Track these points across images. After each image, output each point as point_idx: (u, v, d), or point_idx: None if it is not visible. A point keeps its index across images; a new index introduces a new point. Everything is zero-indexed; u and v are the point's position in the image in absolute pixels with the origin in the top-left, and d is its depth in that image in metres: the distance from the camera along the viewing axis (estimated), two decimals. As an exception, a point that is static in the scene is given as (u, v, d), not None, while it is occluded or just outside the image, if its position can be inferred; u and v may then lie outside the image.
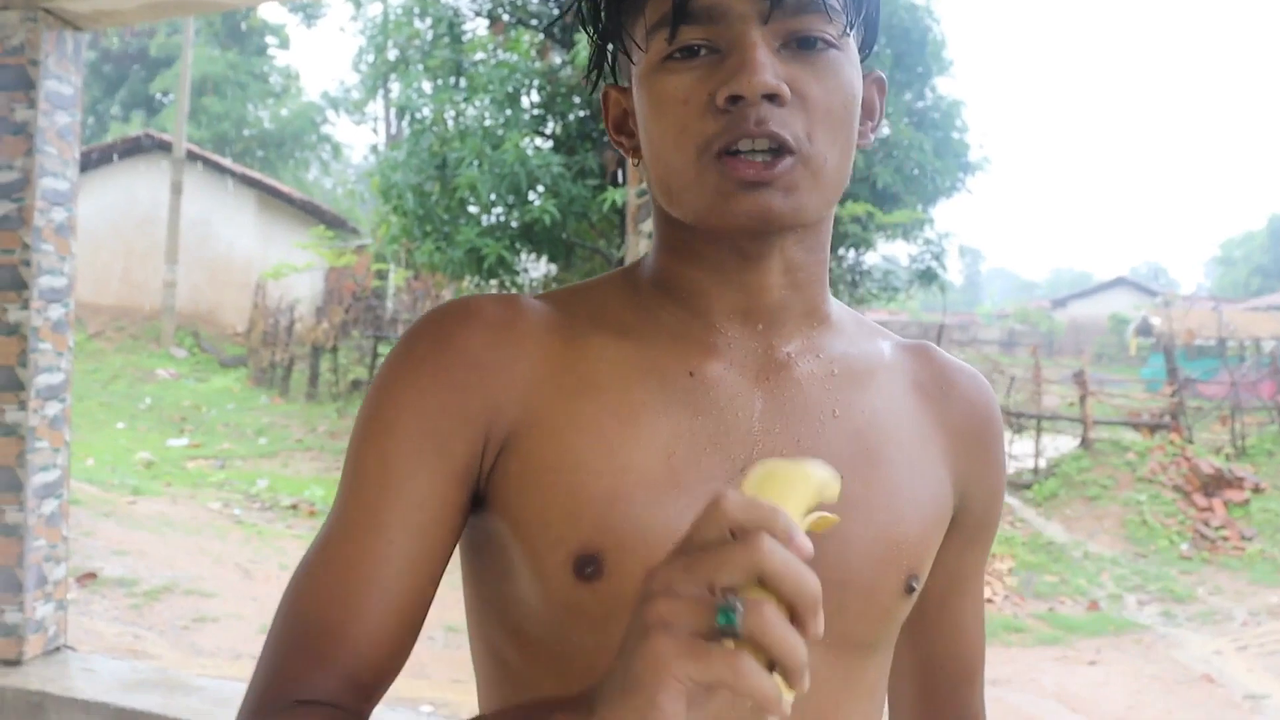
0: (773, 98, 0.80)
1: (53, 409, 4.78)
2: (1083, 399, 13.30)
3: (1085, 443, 12.92)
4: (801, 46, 0.83)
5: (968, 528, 1.01)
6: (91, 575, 7.58)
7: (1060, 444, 13.75)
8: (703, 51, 0.83)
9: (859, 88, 0.87)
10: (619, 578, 0.82)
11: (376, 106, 27.60)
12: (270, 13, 33.13)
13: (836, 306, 0.98)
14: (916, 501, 0.92)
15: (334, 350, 17.20)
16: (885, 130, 12.53)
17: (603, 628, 0.82)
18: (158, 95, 31.27)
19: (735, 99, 0.80)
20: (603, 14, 0.90)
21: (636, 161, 0.94)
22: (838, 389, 0.92)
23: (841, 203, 11.96)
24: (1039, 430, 13.24)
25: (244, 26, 30.57)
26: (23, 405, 4.62)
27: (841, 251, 12.86)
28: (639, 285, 0.95)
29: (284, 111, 32.19)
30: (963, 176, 13.28)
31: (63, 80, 4.77)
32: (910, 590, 0.91)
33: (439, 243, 11.25)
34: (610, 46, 0.94)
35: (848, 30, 0.86)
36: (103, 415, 14.42)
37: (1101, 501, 11.60)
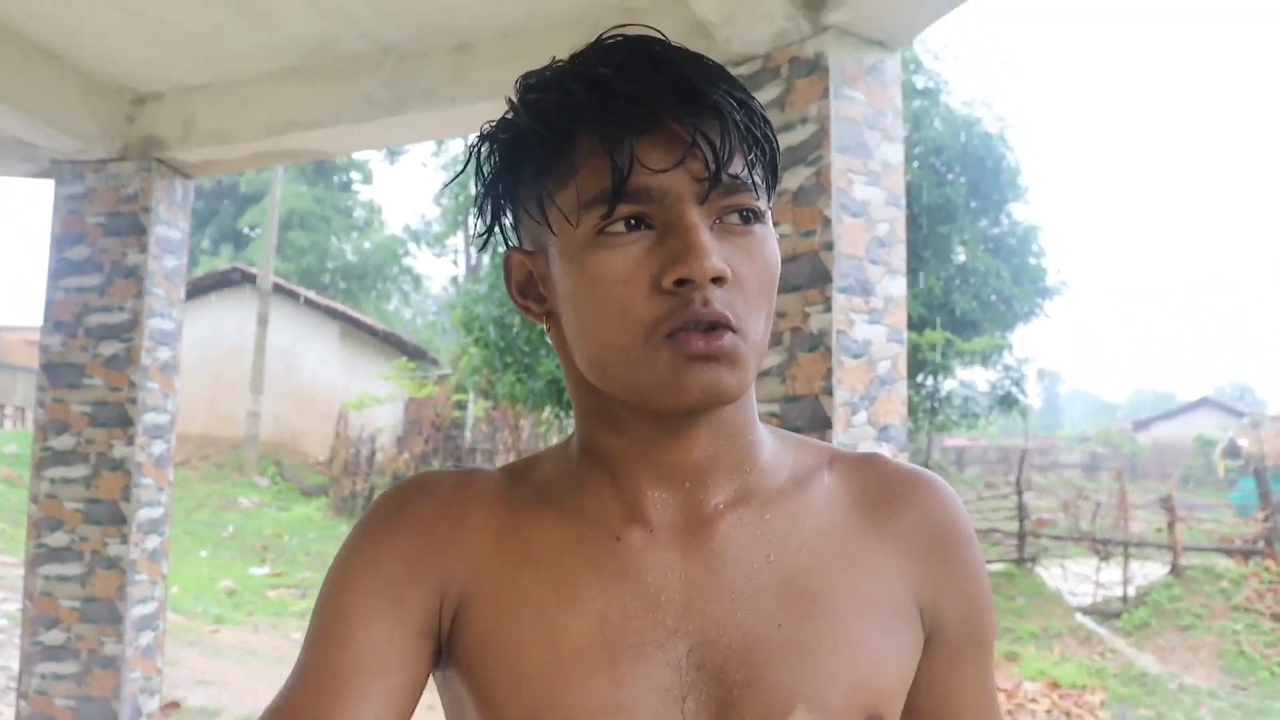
0: (719, 280, 0.81)
1: (152, 542, 4.89)
2: (1171, 525, 12.97)
3: (1175, 570, 12.56)
4: (729, 220, 0.85)
5: (949, 646, 0.96)
6: (175, 704, 7.61)
7: (1149, 571, 13.38)
8: (641, 227, 0.83)
9: (778, 257, 0.90)
10: None
11: (456, 239, 28.27)
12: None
13: (770, 444, 0.96)
14: (871, 636, 0.90)
15: (413, 479, 17.32)
16: (962, 257, 12.57)
17: None
18: (246, 229, 32.28)
19: (683, 282, 0.81)
20: (517, 185, 0.91)
21: (548, 327, 0.94)
22: (771, 533, 0.91)
23: (920, 330, 11.99)
24: (1126, 557, 12.91)
25: (329, 163, 31.59)
26: (124, 539, 4.73)
27: (920, 378, 12.82)
28: (570, 456, 0.96)
29: (366, 244, 33.03)
30: (1040, 301, 13.24)
31: (171, 225, 4.99)
32: None
33: (520, 374, 11.41)
34: (506, 212, 0.94)
35: (769, 201, 0.90)
36: (187, 543, 14.60)
37: (1196, 631, 11.22)
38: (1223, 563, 12.94)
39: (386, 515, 0.94)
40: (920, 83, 13.00)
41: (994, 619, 1.00)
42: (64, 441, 4.86)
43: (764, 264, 0.86)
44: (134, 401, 4.80)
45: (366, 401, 18.68)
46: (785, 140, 3.45)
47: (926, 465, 14.45)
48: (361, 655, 0.88)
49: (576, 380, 0.93)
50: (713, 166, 0.82)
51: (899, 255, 3.41)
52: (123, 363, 4.83)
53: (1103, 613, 11.96)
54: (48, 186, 5.16)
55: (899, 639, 0.92)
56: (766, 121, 0.87)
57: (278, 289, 21.45)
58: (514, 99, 0.89)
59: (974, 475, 25.97)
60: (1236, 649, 10.80)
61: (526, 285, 0.95)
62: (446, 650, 0.91)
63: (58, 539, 4.80)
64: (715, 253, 0.81)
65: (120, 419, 4.81)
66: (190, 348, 20.63)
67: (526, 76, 0.90)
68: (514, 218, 0.94)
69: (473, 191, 0.95)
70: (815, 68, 3.33)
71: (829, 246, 3.23)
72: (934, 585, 0.95)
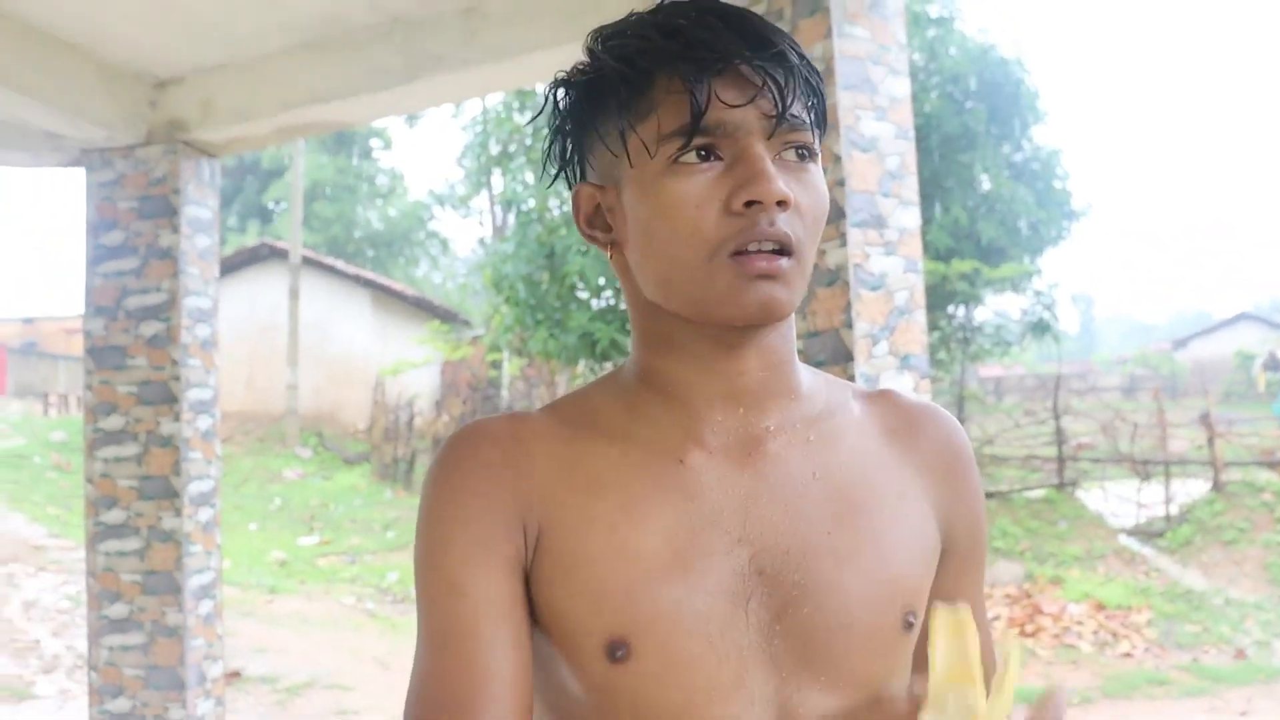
0: (783, 204, 0.91)
1: (204, 514, 5.03)
2: (1211, 441, 12.94)
3: (1217, 485, 12.54)
4: (787, 157, 0.94)
5: (957, 557, 1.08)
6: (236, 674, 7.81)
7: (1190, 489, 13.36)
8: (711, 158, 0.92)
9: (828, 194, 0.99)
10: (645, 656, 0.92)
11: (481, 200, 28.29)
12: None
13: (806, 375, 1.06)
14: (903, 543, 1.01)
15: (454, 441, 17.47)
16: (986, 185, 12.51)
17: (640, 701, 0.92)
18: (271, 204, 32.44)
19: (751, 204, 0.90)
20: (596, 121, 0.99)
21: (610, 255, 1.03)
22: (815, 453, 1.01)
23: (946, 260, 11.96)
24: (1167, 476, 12.91)
25: (350, 133, 31.62)
26: (178, 512, 4.87)
27: (951, 309, 12.80)
28: (627, 385, 1.04)
29: (392, 211, 33.12)
30: (1067, 225, 13.17)
31: (201, 205, 5.09)
32: (909, 625, 0.99)
33: (552, 330, 11.49)
34: (575, 148, 1.03)
35: (821, 141, 0.99)
36: (236, 518, 14.84)
37: (1239, 545, 11.24)
38: (1264, 476, 12.90)
39: (458, 468, 0.99)
40: (935, 11, 12.89)
41: (988, 538, 1.14)
42: (113, 422, 5.01)
43: (818, 196, 0.96)
44: (177, 379, 4.93)
45: (402, 367, 18.87)
46: (793, 81, 3.48)
47: (962, 396, 14.46)
48: (481, 613, 0.94)
49: (639, 305, 1.02)
50: (780, 105, 0.91)
51: (910, 187, 3.45)
52: (164, 342, 4.95)
53: (1146, 533, 11.98)
54: (79, 176, 5.28)
55: (926, 545, 1.03)
56: (819, 74, 0.97)
57: (307, 261, 21.59)
58: (593, 47, 0.98)
59: (1012, 404, 25.90)
60: (1281, 560, 10.82)
61: (594, 216, 1.03)
62: (530, 578, 0.97)
63: (114, 516, 4.95)
64: (781, 180, 0.91)
65: (165, 396, 4.94)
66: (225, 326, 20.82)
67: (601, 28, 0.99)
68: (583, 156, 1.03)
69: (545, 134, 1.05)
70: (817, 7, 3.36)
71: (841, 183, 3.28)
72: (947, 503, 1.07)
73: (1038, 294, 12.94)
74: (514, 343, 13.40)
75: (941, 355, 13.60)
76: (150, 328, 4.98)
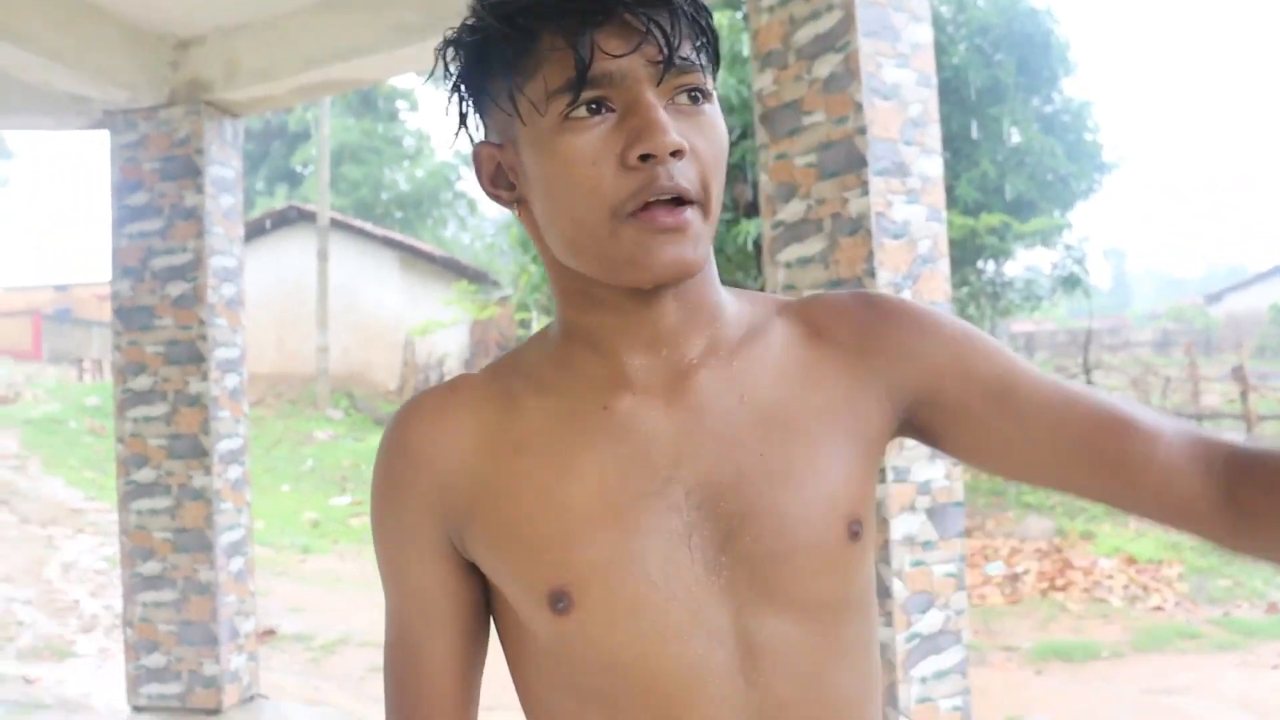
0: (678, 154, 0.89)
1: (234, 472, 5.07)
2: (1244, 394, 12.84)
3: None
4: (680, 101, 0.92)
5: (950, 388, 1.02)
6: (271, 632, 7.90)
7: (1224, 443, 13.24)
8: (603, 110, 0.90)
9: (726, 134, 0.96)
10: (588, 605, 0.93)
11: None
12: (399, 79, 34.19)
13: (728, 299, 1.04)
14: (838, 450, 1.00)
15: (483, 401, 17.57)
16: (1015, 138, 12.38)
17: (592, 648, 0.94)
18: (298, 167, 32.48)
19: (646, 157, 0.88)
20: (486, 81, 0.97)
21: (518, 213, 1.02)
22: (740, 377, 1.00)
23: (975, 215, 11.86)
24: (1200, 430, 12.78)
25: (375, 94, 31.60)
26: (207, 470, 4.92)
27: (980, 264, 12.69)
28: (554, 340, 1.03)
29: (419, 173, 33.10)
30: (1098, 178, 13.02)
31: (224, 165, 5.10)
32: (854, 535, 0.98)
33: (578, 287, 11.46)
34: (471, 105, 1.00)
35: (715, 79, 0.96)
36: (268, 479, 14.99)
37: (1273, 499, 11.16)
38: (1298, 428, 12.80)
39: (385, 460, 1.03)
40: (962, -38, 12.71)
41: (980, 338, 1.05)
42: (142, 382, 5.05)
43: (716, 138, 0.93)
44: (204, 338, 4.96)
45: (431, 327, 18.91)
46: (812, 29, 3.46)
47: (991, 351, 14.38)
48: (414, 602, 1.03)
49: (552, 262, 1.01)
50: (665, 50, 0.89)
51: (933, 135, 3.42)
52: (190, 301, 4.98)
53: (1178, 486, 11.91)
54: (103, 138, 5.30)
55: (865, 448, 1.02)
56: (709, 12, 0.94)
57: (335, 224, 21.64)
58: (478, 3, 0.96)
59: (1043, 359, 25.76)
60: (1315, 512, 10.72)
61: (496, 175, 1.01)
62: (472, 547, 1.00)
63: (145, 475, 5.00)
64: (674, 129, 0.89)
65: (193, 356, 4.97)
66: (254, 288, 20.98)
67: None
68: (481, 114, 1.00)
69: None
70: (839, -47, 3.33)
71: (862, 131, 3.25)
72: (899, 368, 1.03)
73: (1068, 248, 12.81)
74: (542, 301, 13.41)
75: (971, 311, 13.51)
76: (176, 288, 5.01)
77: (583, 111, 0.90)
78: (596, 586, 0.93)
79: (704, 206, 0.92)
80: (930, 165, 3.41)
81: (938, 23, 11.75)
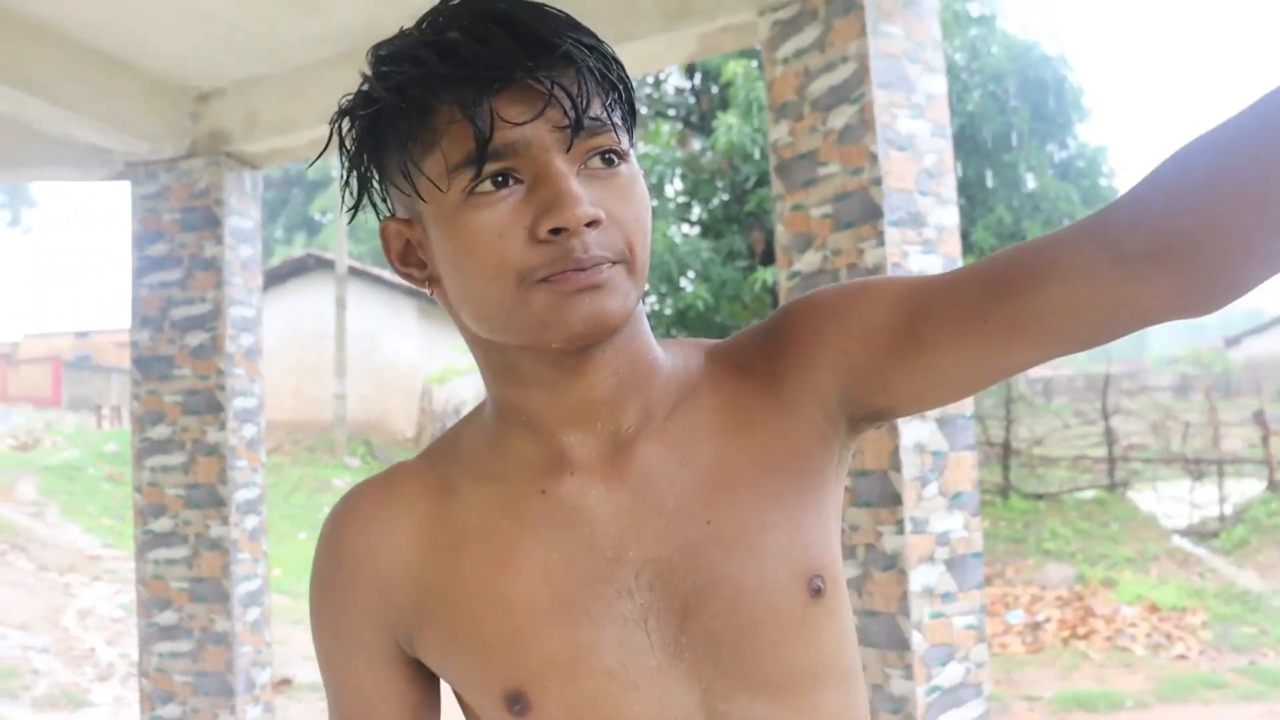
0: (593, 224, 0.82)
1: (251, 522, 5.08)
2: (1265, 439, 12.75)
3: (1273, 485, 12.35)
4: (594, 165, 0.86)
5: (860, 360, 0.93)
6: (287, 681, 7.87)
7: (1245, 488, 13.16)
8: (510, 182, 0.84)
9: (647, 193, 0.90)
10: (546, 704, 0.88)
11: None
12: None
13: (661, 356, 0.97)
14: (786, 500, 0.93)
15: (499, 448, 17.58)
16: (1031, 184, 12.42)
17: None
18: (317, 215, 32.74)
19: (558, 230, 0.82)
20: (383, 156, 0.91)
21: (432, 293, 0.94)
22: (677, 439, 0.94)
23: (992, 261, 11.85)
24: (1221, 475, 12.72)
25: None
26: (224, 520, 4.92)
27: (996, 310, 12.68)
28: (488, 420, 0.98)
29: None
30: (1114, 224, 13.03)
31: (244, 216, 5.15)
32: (817, 592, 0.91)
33: (592, 335, 11.49)
34: (374, 184, 0.93)
35: (631, 139, 0.90)
36: (285, 527, 14.98)
37: (1297, 546, 11.06)
38: (1320, 474, 12.69)
39: (323, 560, 0.99)
40: (976, 9, 12.80)
41: (863, 289, 0.96)
42: (160, 431, 5.07)
43: (635, 199, 0.87)
44: (222, 388, 4.99)
45: (449, 375, 18.95)
46: (827, 80, 3.49)
47: (1010, 397, 14.33)
48: (356, 703, 0.99)
49: (474, 339, 0.95)
50: (572, 113, 0.83)
51: (948, 185, 3.44)
52: (209, 352, 5.01)
53: (1200, 533, 11.81)
54: (124, 189, 5.36)
55: (814, 488, 0.95)
56: (619, 64, 0.88)
57: (353, 272, 21.75)
58: (368, 72, 0.91)
59: (1061, 404, 25.65)
60: (1339, 560, 10.63)
61: (406, 253, 0.94)
62: (420, 649, 0.96)
63: (162, 524, 5.02)
64: (586, 198, 0.82)
65: (211, 406, 5.00)
66: (272, 336, 21.03)
67: (378, 48, 0.91)
68: (383, 188, 0.94)
69: (338, 168, 0.95)
70: (852, 6, 3.36)
71: (877, 182, 3.27)
72: (803, 382, 0.95)
73: (1084, 293, 12.78)
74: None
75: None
76: (195, 337, 5.04)
77: (487, 185, 0.84)
78: (553, 685, 0.88)
79: (628, 264, 0.86)
80: (946, 215, 3.42)
81: (952, 70, 11.81)
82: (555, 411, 0.92)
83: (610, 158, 0.87)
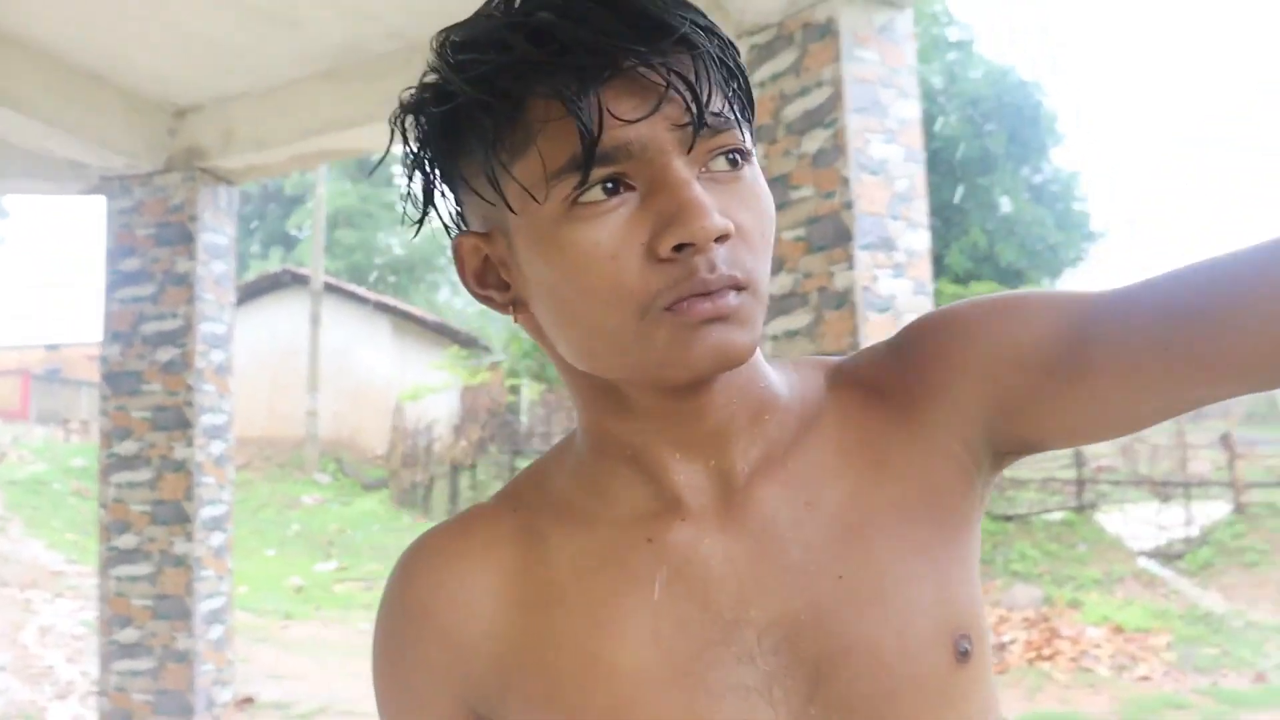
0: (723, 238, 0.70)
1: (216, 539, 5.04)
2: (1231, 462, 12.85)
3: (1239, 508, 12.45)
4: (716, 167, 0.73)
5: (1012, 386, 0.80)
6: (249, 700, 7.78)
7: (1211, 511, 13.24)
8: (621, 189, 0.71)
9: (771, 197, 0.79)
10: None
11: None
12: (397, 145, 34.48)
13: (777, 381, 0.84)
14: (928, 548, 0.80)
15: (473, 468, 17.55)
16: (1005, 208, 12.52)
17: None
18: (293, 231, 32.62)
19: (682, 247, 0.70)
20: (459, 161, 0.78)
21: (516, 318, 0.82)
22: (801, 478, 0.81)
23: (966, 283, 11.95)
24: (1188, 498, 12.81)
25: (371, 160, 31.80)
26: (189, 537, 4.89)
27: (969, 334, 12.79)
28: (581, 456, 0.85)
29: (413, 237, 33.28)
30: (1086, 246, 13.16)
31: (218, 232, 5.13)
32: (964, 655, 0.79)
33: (569, 354, 11.51)
34: (444, 194, 0.82)
35: (754, 137, 0.78)
36: (253, 543, 14.86)
37: (1261, 568, 11.13)
38: (1287, 498, 12.80)
39: (390, 615, 0.87)
40: (954, 35, 12.93)
41: (1015, 307, 0.82)
42: (127, 447, 5.03)
43: (762, 209, 0.75)
44: (191, 404, 4.95)
45: (421, 392, 18.90)
46: (802, 105, 3.51)
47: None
48: None
49: (567, 368, 0.82)
50: (694, 107, 0.70)
51: (920, 209, 3.46)
52: (179, 368, 4.98)
53: (1165, 555, 11.87)
54: (99, 203, 5.33)
55: (958, 534, 0.83)
56: (735, 49, 0.76)
57: (328, 288, 21.69)
58: (443, 61, 0.76)
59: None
60: (1303, 584, 10.71)
61: (484, 272, 0.81)
62: None
63: (127, 541, 4.97)
64: (714, 208, 0.70)
65: (179, 422, 4.96)
66: (246, 351, 20.94)
67: (450, 32, 0.77)
68: (457, 199, 0.82)
69: (402, 173, 0.82)
70: (827, 31, 3.38)
71: (849, 205, 3.29)
72: (944, 411, 0.82)
73: (1056, 317, 12.91)
74: (533, 368, 13.44)
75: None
76: (166, 353, 5.01)
77: (596, 194, 0.71)
78: None
79: (755, 290, 0.73)
80: (916, 239, 3.44)
81: (929, 93, 11.91)
82: (664, 445, 0.81)
83: (734, 158, 0.74)
